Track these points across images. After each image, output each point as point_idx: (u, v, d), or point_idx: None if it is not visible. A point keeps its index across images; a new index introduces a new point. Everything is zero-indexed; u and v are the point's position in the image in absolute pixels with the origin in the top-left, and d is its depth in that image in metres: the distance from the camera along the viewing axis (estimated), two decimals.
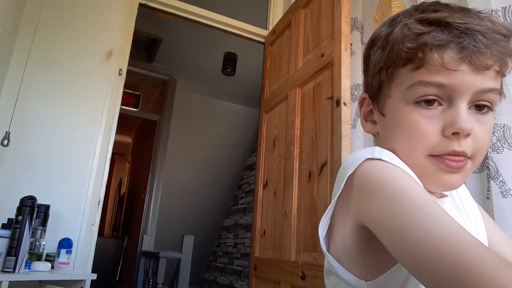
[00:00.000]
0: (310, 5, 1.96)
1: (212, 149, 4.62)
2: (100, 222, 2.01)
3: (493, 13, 1.13)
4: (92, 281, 1.64)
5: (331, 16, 1.71)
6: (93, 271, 1.84)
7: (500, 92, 0.47)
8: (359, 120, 0.58)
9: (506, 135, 1.04)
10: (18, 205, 1.49)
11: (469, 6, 1.19)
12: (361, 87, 1.64)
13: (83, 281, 1.61)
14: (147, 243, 4.05)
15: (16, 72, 1.87)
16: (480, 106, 0.47)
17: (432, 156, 0.46)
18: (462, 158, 0.46)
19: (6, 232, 1.45)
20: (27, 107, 1.88)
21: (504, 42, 0.45)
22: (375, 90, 0.52)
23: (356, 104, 1.67)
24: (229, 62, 3.61)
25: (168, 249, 3.50)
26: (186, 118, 4.48)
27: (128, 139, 6.43)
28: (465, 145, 0.45)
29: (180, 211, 4.40)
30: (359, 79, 1.69)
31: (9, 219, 1.55)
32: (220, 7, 2.64)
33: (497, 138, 1.05)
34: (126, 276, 4.66)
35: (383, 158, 0.45)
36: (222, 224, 4.83)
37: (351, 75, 1.59)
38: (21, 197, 1.51)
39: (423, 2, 0.51)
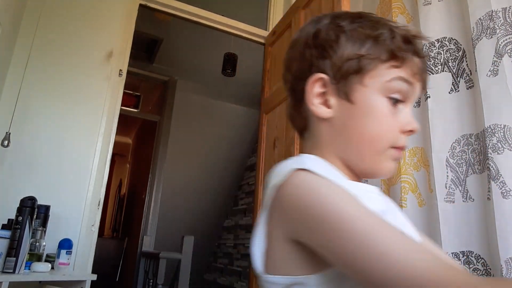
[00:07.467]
0: (310, 5, 1.96)
1: (212, 150, 4.61)
2: (100, 222, 2.01)
3: (493, 14, 1.13)
4: (92, 281, 1.64)
5: None
6: (93, 272, 1.84)
7: None
8: (313, 101, 0.55)
9: (506, 136, 1.04)
10: (18, 205, 1.49)
11: (469, 8, 1.20)
12: None
13: (83, 281, 1.61)
14: (147, 243, 4.05)
15: (17, 73, 1.87)
16: None
17: (393, 147, 0.53)
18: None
19: (6, 233, 1.45)
20: (27, 107, 1.88)
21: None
22: (342, 74, 0.52)
23: None
24: (229, 63, 3.62)
25: (168, 250, 3.50)
26: (186, 119, 4.48)
27: (128, 140, 6.43)
28: (405, 139, 0.55)
29: (180, 211, 4.40)
30: None
31: (9, 219, 1.55)
32: (220, 8, 2.65)
33: (497, 139, 1.05)
34: (126, 277, 4.65)
35: (312, 169, 0.45)
36: (222, 224, 4.83)
37: None
38: (21, 198, 1.51)
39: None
